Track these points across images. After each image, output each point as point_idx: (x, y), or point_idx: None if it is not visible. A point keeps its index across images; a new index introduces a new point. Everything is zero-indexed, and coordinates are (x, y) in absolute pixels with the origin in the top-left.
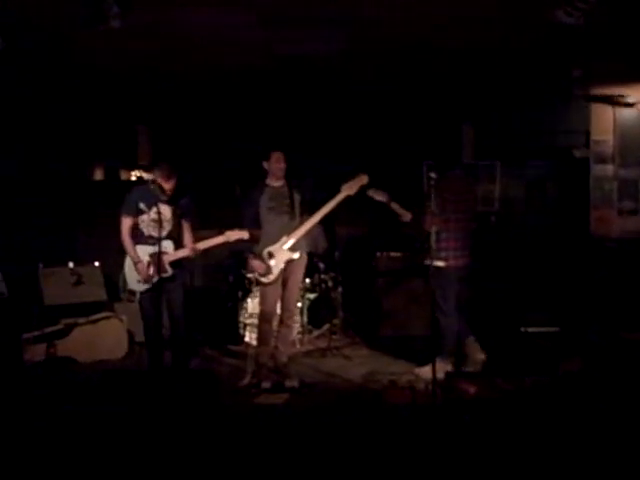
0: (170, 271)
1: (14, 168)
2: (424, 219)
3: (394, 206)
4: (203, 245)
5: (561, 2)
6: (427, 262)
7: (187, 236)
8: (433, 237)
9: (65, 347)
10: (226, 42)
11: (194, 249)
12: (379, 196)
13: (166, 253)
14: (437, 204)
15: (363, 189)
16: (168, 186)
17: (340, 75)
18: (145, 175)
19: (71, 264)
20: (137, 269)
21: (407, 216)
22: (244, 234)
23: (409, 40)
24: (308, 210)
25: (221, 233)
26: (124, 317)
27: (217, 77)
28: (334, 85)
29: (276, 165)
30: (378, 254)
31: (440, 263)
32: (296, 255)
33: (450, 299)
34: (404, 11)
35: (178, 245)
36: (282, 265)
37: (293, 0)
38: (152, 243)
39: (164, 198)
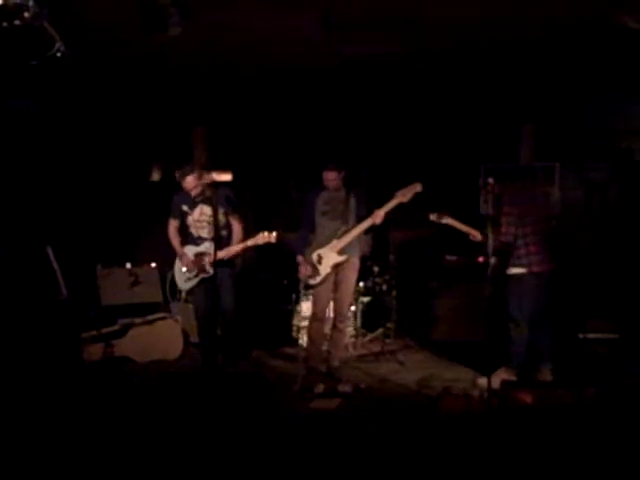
0: (211, 272)
1: (72, 170)
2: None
3: (460, 227)
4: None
5: (631, 8)
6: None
7: (234, 234)
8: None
9: (122, 347)
10: (288, 43)
11: (232, 250)
12: (444, 219)
13: (206, 254)
14: (493, 208)
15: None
16: (187, 187)
17: (398, 77)
18: None
19: (128, 265)
20: (181, 261)
21: (477, 236)
22: (271, 238)
23: (469, 41)
24: (365, 212)
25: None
26: (179, 318)
27: (276, 79)
28: (392, 86)
29: (327, 183)
30: (447, 257)
31: (520, 270)
32: (342, 258)
33: (525, 309)
34: (465, 11)
35: (226, 244)
36: (329, 268)
37: (356, 1)
38: (198, 244)
39: (198, 199)
